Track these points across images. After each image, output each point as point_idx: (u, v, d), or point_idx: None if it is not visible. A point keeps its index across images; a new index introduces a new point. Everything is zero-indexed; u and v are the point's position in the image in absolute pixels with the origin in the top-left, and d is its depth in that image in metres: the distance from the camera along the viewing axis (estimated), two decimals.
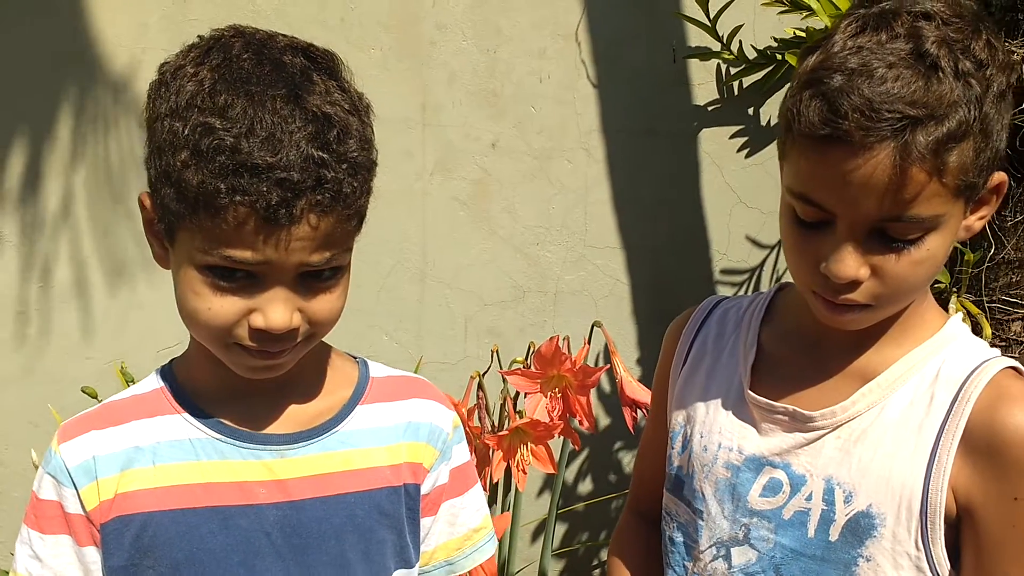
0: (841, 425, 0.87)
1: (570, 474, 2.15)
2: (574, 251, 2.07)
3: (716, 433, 0.94)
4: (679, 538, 0.98)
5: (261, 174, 0.71)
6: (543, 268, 2.07)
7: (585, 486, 2.18)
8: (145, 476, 0.83)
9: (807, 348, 0.91)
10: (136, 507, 0.82)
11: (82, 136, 1.81)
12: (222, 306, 0.76)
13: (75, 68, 1.79)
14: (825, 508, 0.86)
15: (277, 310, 0.76)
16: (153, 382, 0.88)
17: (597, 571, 2.23)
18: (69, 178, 1.82)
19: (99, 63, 1.80)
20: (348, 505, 0.86)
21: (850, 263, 0.79)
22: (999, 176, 0.82)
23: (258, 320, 0.76)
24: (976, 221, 0.84)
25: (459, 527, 0.95)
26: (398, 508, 0.89)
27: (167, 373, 0.88)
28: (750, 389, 0.92)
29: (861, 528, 0.85)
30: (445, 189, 1.99)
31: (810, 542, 0.87)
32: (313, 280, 0.78)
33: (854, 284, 0.80)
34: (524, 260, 2.05)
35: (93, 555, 0.83)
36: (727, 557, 0.92)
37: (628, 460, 2.19)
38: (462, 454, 0.96)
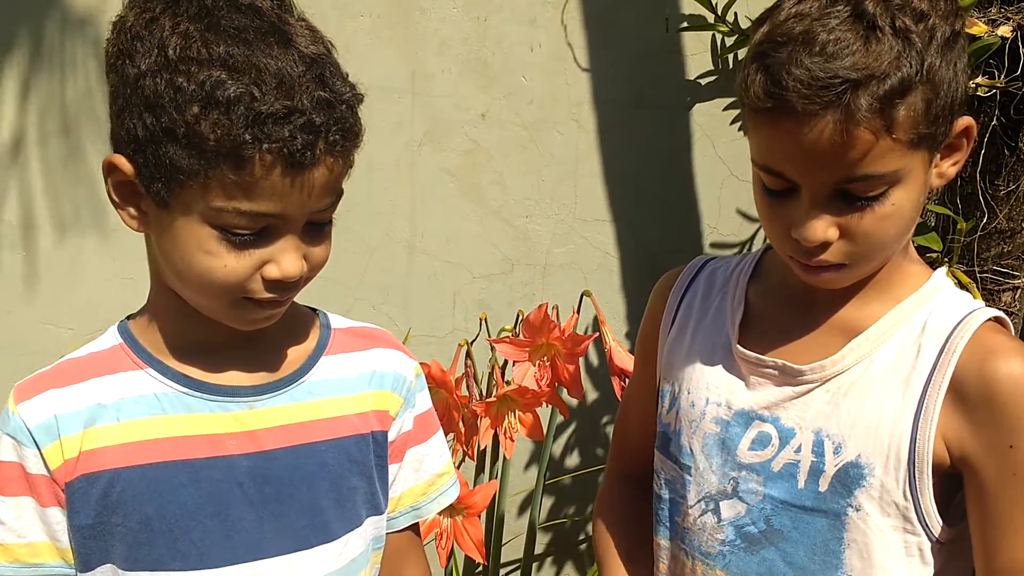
0: (830, 379, 0.88)
1: (557, 447, 2.15)
2: (564, 223, 2.06)
3: (704, 389, 0.95)
4: (666, 495, 0.99)
5: (282, 119, 0.72)
6: (532, 241, 2.05)
7: (572, 459, 2.18)
8: (110, 433, 0.82)
9: (793, 304, 0.93)
10: (102, 464, 0.81)
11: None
12: (238, 262, 0.77)
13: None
14: (815, 460, 0.88)
15: (291, 259, 0.78)
16: (111, 339, 0.87)
17: (584, 545, 2.24)
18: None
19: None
20: (319, 453, 0.87)
21: (817, 227, 0.81)
22: (964, 120, 0.84)
23: (273, 271, 0.78)
24: (949, 167, 0.86)
25: (424, 472, 0.97)
26: (367, 455, 0.90)
27: (124, 330, 0.87)
28: (738, 344, 0.93)
29: (850, 478, 0.86)
30: (434, 160, 1.97)
31: (800, 493, 0.88)
32: (315, 229, 0.80)
33: (825, 246, 0.82)
34: (513, 232, 2.04)
35: (57, 515, 0.82)
36: (716, 511, 0.93)
37: None
38: (424, 401, 0.98)
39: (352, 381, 0.91)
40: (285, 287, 0.79)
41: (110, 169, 0.79)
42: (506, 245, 2.04)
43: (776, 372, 0.91)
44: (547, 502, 2.15)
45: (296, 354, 0.89)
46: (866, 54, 0.76)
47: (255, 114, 0.71)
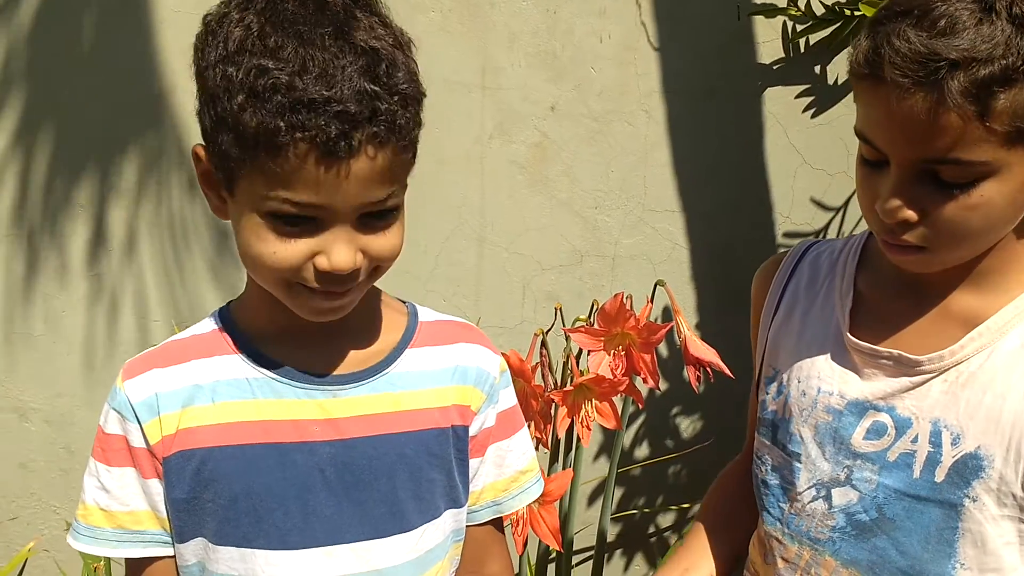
0: (948, 369, 0.87)
1: (627, 438, 2.15)
2: (633, 214, 2.05)
3: (815, 378, 0.95)
4: (774, 480, 0.99)
5: (318, 108, 0.72)
6: (601, 232, 2.05)
7: (641, 450, 2.18)
8: (205, 413, 0.85)
9: (905, 291, 0.91)
10: (197, 442, 0.85)
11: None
12: (287, 250, 0.78)
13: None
14: (932, 450, 0.87)
15: (341, 251, 0.78)
16: (211, 323, 0.91)
17: (654, 538, 2.24)
18: (144, 144, 1.86)
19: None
20: (398, 444, 0.88)
21: (895, 202, 0.80)
22: None
23: (323, 262, 0.78)
24: None
25: (506, 468, 0.97)
26: (446, 449, 0.91)
27: (224, 315, 0.91)
28: (850, 334, 0.93)
29: (968, 469, 0.85)
30: (504, 152, 1.98)
31: (915, 483, 0.88)
32: (373, 220, 0.80)
33: (905, 225, 0.81)
34: (582, 224, 2.04)
35: (156, 487, 0.86)
36: (827, 498, 0.93)
37: (686, 425, 2.18)
38: (508, 398, 0.98)
39: (435, 375, 0.91)
40: (339, 279, 0.79)
41: (195, 159, 0.82)
42: (575, 236, 2.05)
43: (891, 363, 0.90)
44: (616, 492, 2.15)
45: (381, 345, 0.91)
46: (974, 36, 0.74)
47: (292, 101, 0.72)
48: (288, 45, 0.73)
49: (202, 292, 1.94)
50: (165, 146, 1.86)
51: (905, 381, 0.89)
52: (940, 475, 0.86)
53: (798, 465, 0.95)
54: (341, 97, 0.72)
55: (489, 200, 2.00)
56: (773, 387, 1.00)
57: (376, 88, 0.74)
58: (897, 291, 0.92)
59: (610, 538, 2.16)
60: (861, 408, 0.91)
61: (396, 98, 0.75)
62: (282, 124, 0.72)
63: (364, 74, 0.74)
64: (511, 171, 1.99)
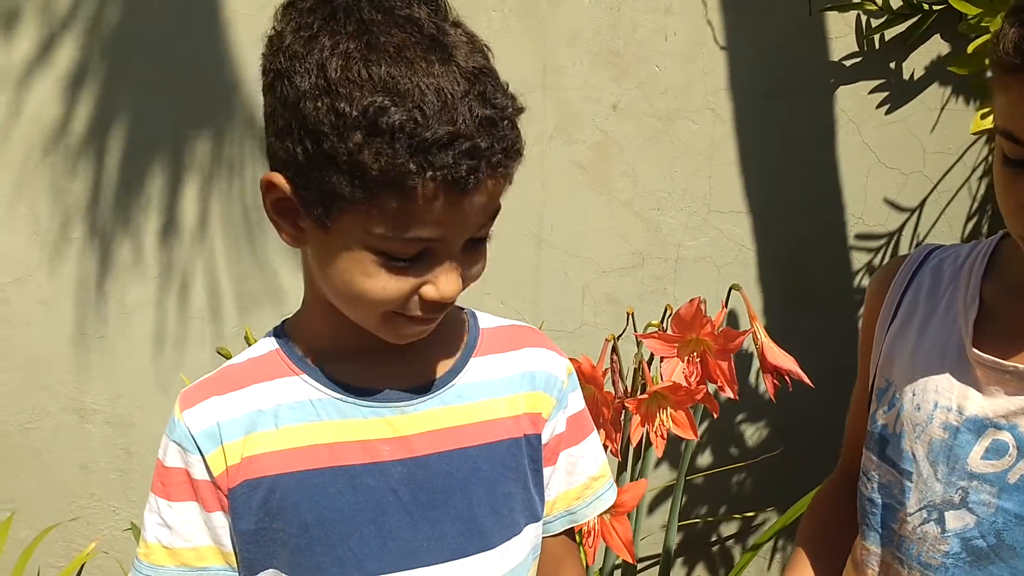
0: None
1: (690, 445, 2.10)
2: (697, 216, 2.00)
3: (932, 392, 0.89)
4: (880, 499, 0.93)
5: (447, 147, 0.69)
6: (664, 234, 2.00)
7: (704, 458, 2.12)
8: (269, 439, 0.82)
9: None
10: (262, 470, 0.82)
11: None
12: (398, 285, 0.75)
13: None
14: None
15: (451, 281, 0.76)
16: (268, 344, 0.87)
17: (716, 547, 2.18)
18: (209, 144, 1.86)
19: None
20: (471, 459, 0.85)
21: None
22: None
23: (431, 292, 0.76)
24: None
25: (578, 475, 0.94)
26: (520, 460, 0.88)
27: (280, 334, 0.88)
28: (973, 347, 0.87)
29: None
30: (564, 153, 1.94)
31: None
32: (475, 244, 0.78)
33: None
34: (644, 225, 1.99)
35: (221, 520, 0.83)
36: (940, 521, 0.87)
37: (751, 432, 2.12)
38: (577, 401, 0.94)
39: (502, 383, 0.88)
40: (441, 308, 0.78)
41: (268, 187, 0.77)
42: (636, 238, 2.00)
43: (1016, 378, 0.83)
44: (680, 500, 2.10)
45: (445, 356, 0.87)
46: None
47: (419, 141, 0.69)
48: (399, 75, 0.69)
49: (264, 298, 1.93)
50: (236, 142, 1.86)
51: None
52: None
53: (908, 484, 0.90)
54: (467, 133, 0.70)
55: (549, 201, 1.96)
56: (885, 399, 0.94)
57: (491, 113, 0.71)
58: None
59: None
60: (980, 426, 0.85)
61: (506, 121, 0.73)
62: (412, 166, 0.69)
63: (480, 101, 0.71)
64: (572, 172, 1.95)
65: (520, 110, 0.76)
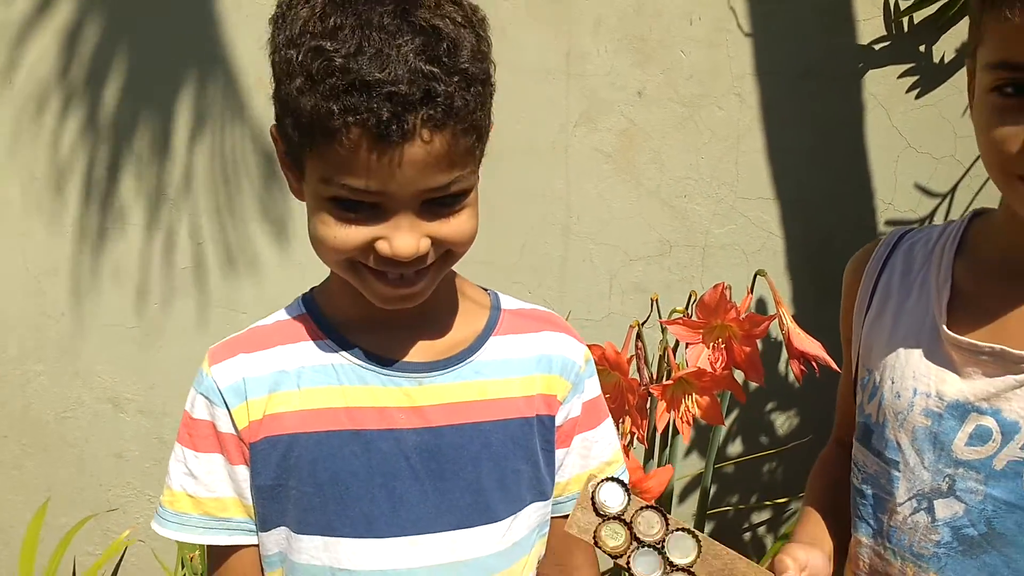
0: None
1: (720, 433, 2.08)
2: (724, 203, 1.98)
3: (910, 379, 0.87)
4: (869, 491, 0.92)
5: (370, 90, 0.70)
6: (691, 221, 1.99)
7: (735, 447, 2.11)
8: (291, 399, 0.84)
9: (1011, 280, 0.83)
10: (283, 428, 0.84)
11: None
12: (347, 235, 0.76)
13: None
14: None
15: (403, 238, 0.76)
16: (296, 308, 0.90)
17: (748, 534, 2.17)
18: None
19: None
20: (483, 433, 0.86)
21: None
22: None
23: (384, 247, 0.76)
24: None
25: (592, 459, 0.95)
26: (531, 439, 0.89)
27: (309, 301, 0.90)
28: (947, 328, 0.85)
29: None
30: (590, 140, 1.94)
31: None
32: (437, 207, 0.77)
33: None
34: (671, 213, 1.98)
35: (243, 473, 0.85)
36: (930, 510, 0.86)
37: (781, 421, 2.10)
38: (593, 387, 0.95)
39: (519, 363, 0.90)
40: (401, 265, 0.77)
41: (273, 141, 0.82)
42: (663, 226, 1.99)
43: (992, 359, 0.81)
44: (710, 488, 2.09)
45: (465, 333, 0.89)
46: None
47: (345, 84, 0.69)
48: (346, 26, 0.71)
49: (298, 287, 1.95)
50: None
51: (1010, 380, 0.81)
52: None
53: (896, 474, 0.88)
54: (394, 79, 0.69)
55: (575, 189, 1.95)
56: (867, 389, 0.93)
57: (433, 68, 0.71)
58: (1002, 280, 0.84)
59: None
60: (962, 410, 0.83)
61: (456, 79, 0.72)
62: (334, 107, 0.70)
63: (421, 54, 0.71)
64: (597, 159, 1.95)
65: (485, 73, 0.75)
